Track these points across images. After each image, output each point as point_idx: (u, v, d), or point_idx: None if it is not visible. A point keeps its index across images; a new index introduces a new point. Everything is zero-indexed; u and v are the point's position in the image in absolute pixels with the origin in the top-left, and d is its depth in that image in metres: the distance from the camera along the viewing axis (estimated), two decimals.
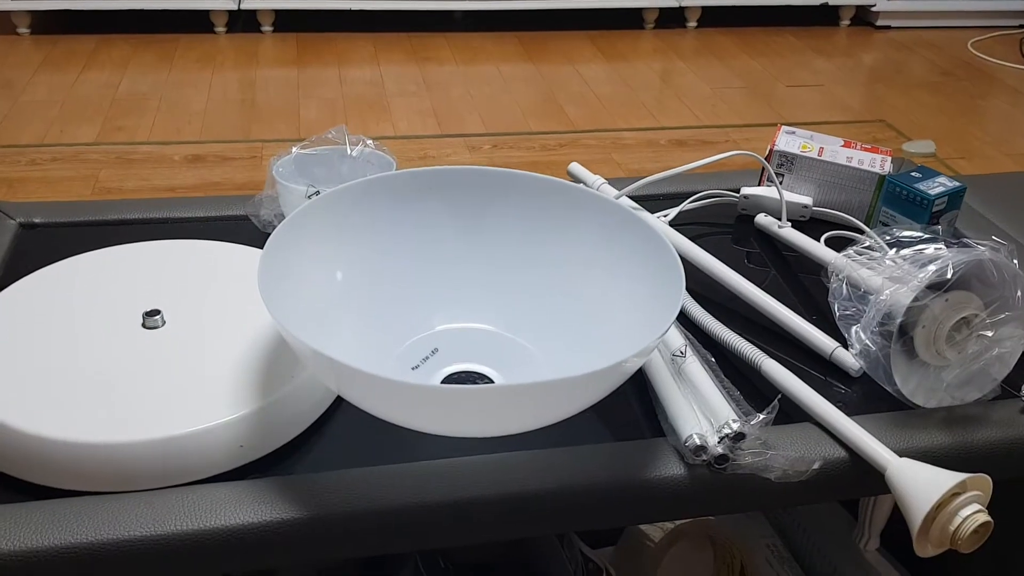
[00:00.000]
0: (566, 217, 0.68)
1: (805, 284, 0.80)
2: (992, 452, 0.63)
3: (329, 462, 0.58)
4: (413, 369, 0.65)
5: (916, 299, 0.62)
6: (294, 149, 0.79)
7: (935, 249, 0.73)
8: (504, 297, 0.69)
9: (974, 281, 0.63)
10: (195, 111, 2.00)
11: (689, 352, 0.64)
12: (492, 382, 0.64)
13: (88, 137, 1.81)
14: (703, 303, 0.75)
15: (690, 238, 0.85)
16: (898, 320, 0.62)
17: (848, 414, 0.63)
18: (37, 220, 0.81)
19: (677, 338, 0.66)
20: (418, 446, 0.59)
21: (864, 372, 0.68)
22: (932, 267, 0.61)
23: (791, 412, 0.64)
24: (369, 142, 0.80)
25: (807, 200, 0.88)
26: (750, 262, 0.84)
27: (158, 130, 1.93)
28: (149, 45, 2.25)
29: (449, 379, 0.65)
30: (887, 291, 0.63)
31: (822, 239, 0.83)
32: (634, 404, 0.64)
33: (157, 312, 0.63)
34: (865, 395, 0.67)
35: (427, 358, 0.66)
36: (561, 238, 0.68)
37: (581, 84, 2.24)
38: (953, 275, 0.61)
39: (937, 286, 0.62)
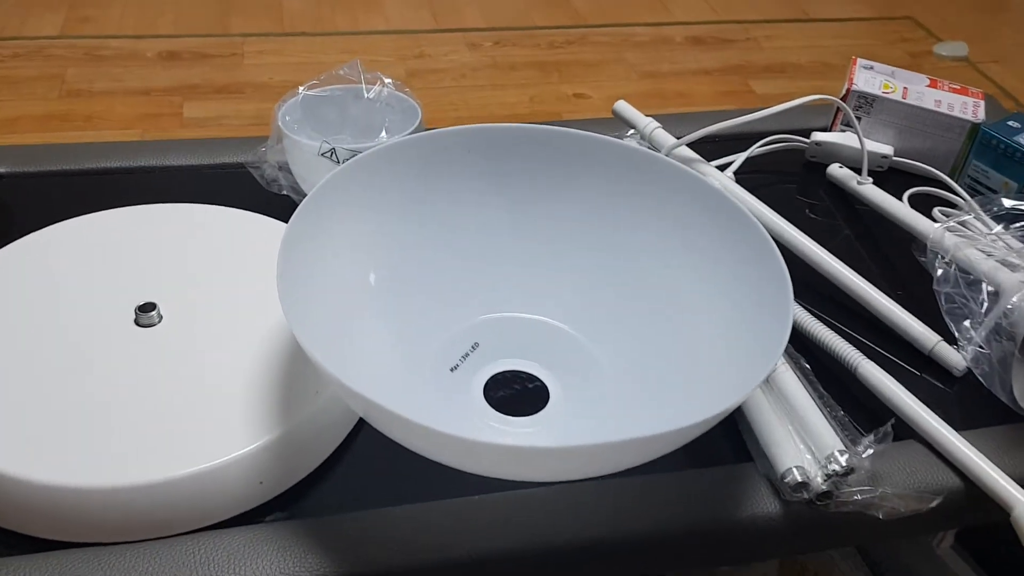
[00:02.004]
0: (642, 193, 0.57)
1: (890, 253, 0.70)
2: None
3: (362, 493, 0.49)
4: (452, 370, 0.55)
5: None
6: (301, 90, 0.66)
7: None
8: (559, 283, 0.58)
9: None
10: (167, 0, 1.82)
11: (782, 359, 0.55)
12: (542, 384, 0.55)
13: (52, 29, 1.63)
14: None
15: (753, 190, 0.74)
16: (1021, 330, 0.53)
17: (953, 423, 0.55)
18: (2, 170, 0.69)
19: None
20: (463, 474, 0.50)
21: (968, 370, 0.59)
22: None
23: (895, 424, 0.55)
24: (388, 81, 0.68)
25: (887, 149, 0.77)
26: (820, 222, 0.74)
27: (128, 21, 1.75)
28: None
29: (493, 381, 0.55)
30: (1011, 298, 0.53)
31: (905, 196, 0.73)
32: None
33: (152, 306, 0.53)
34: (969, 398, 0.58)
35: (467, 355, 0.56)
36: (636, 219, 0.57)
37: None
38: None
39: None
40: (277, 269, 0.45)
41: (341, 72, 0.69)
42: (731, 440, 0.54)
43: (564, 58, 1.76)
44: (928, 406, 0.55)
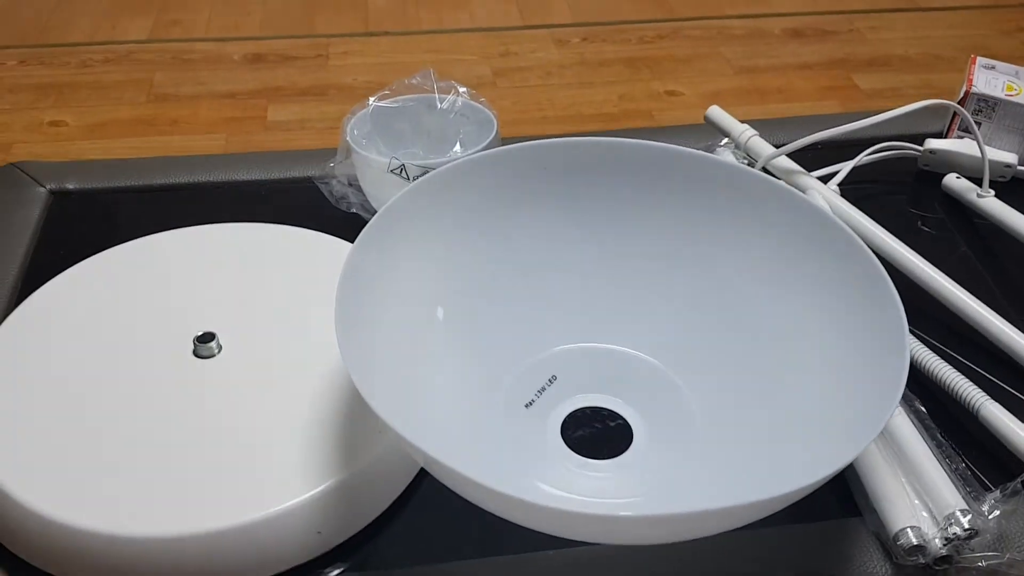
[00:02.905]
0: (736, 214, 0.51)
1: (1012, 272, 0.63)
2: None
3: (427, 545, 0.46)
4: (527, 407, 0.51)
5: None
6: (371, 101, 0.63)
7: None
8: (644, 312, 0.54)
9: None
10: (254, 0, 1.82)
11: None
12: (624, 422, 0.50)
13: (141, 33, 1.64)
14: None
15: (856, 202, 0.68)
16: None
17: None
18: (70, 186, 0.68)
19: None
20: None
21: None
22: None
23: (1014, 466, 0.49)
24: (462, 90, 0.64)
25: (1011, 157, 0.69)
26: (935, 237, 0.67)
27: (215, 24, 1.76)
28: None
29: (571, 418, 0.51)
30: None
31: None
32: None
33: (212, 336, 0.50)
34: None
35: (544, 388, 0.52)
36: (730, 243, 0.52)
37: None
38: None
39: None
40: (335, 309, 0.42)
41: (414, 81, 0.65)
42: (837, 490, 0.48)
43: (655, 53, 1.69)
44: None
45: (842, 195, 0.66)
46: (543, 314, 0.53)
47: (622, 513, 0.35)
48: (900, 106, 0.66)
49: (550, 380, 0.52)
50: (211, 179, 0.69)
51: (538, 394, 0.51)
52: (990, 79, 0.70)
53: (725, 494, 0.42)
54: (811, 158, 0.71)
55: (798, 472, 0.38)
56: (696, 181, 0.52)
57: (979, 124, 0.70)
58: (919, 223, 0.68)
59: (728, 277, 0.52)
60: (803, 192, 0.66)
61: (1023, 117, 0.69)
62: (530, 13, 1.87)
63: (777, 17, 1.83)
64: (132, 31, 1.53)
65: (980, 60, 0.73)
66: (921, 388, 0.53)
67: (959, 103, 0.70)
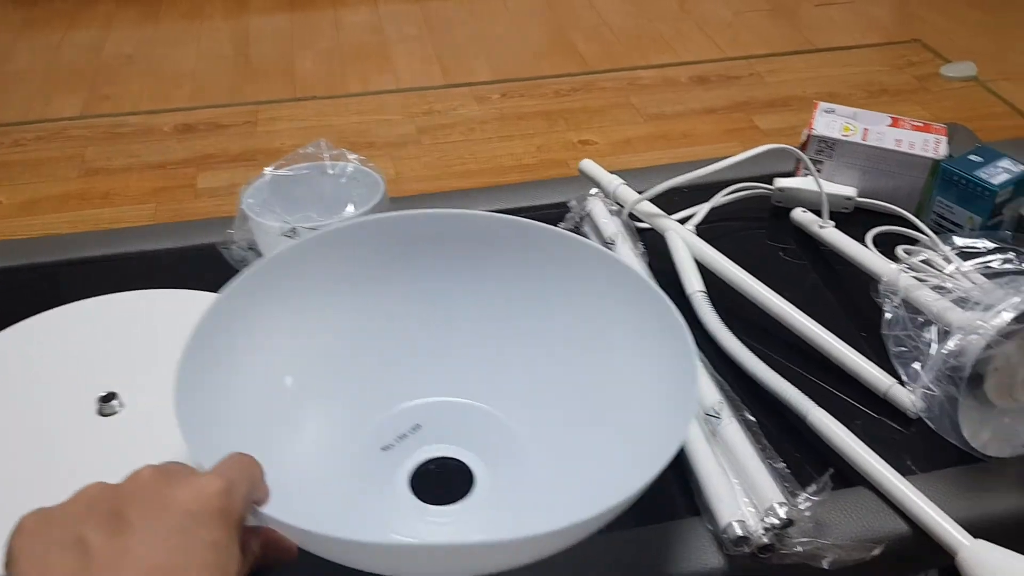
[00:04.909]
0: (574, 280, 0.57)
1: (853, 294, 0.71)
2: None
3: None
4: (383, 449, 0.55)
5: (989, 346, 0.53)
6: (267, 171, 0.70)
7: (1003, 262, 0.63)
8: (482, 366, 0.59)
9: None
10: (184, 72, 1.89)
11: (726, 411, 0.56)
12: (470, 473, 0.55)
13: (73, 110, 1.70)
14: (738, 323, 0.66)
15: (717, 238, 0.75)
16: (967, 371, 0.53)
17: (909, 466, 0.56)
18: None
19: (711, 392, 0.57)
20: None
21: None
22: (1006, 314, 0.52)
23: (845, 470, 0.56)
24: (352, 157, 0.71)
25: (850, 191, 0.78)
26: (787, 266, 0.74)
27: (146, 97, 1.82)
28: None
29: (423, 467, 0.55)
30: (953, 339, 0.54)
31: (869, 236, 0.74)
32: (667, 472, 0.56)
33: (113, 396, 0.56)
34: (927, 438, 0.58)
35: (405, 436, 0.56)
36: (569, 306, 0.58)
37: (593, 16, 2.10)
38: None
39: (1019, 322, 0.53)
40: (175, 387, 0.45)
41: (308, 150, 0.72)
42: (686, 495, 0.55)
43: (570, 106, 1.79)
44: (884, 449, 0.56)
45: (701, 233, 0.73)
46: (411, 370, 0.58)
47: (405, 541, 0.40)
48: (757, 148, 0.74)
49: (413, 428, 0.57)
50: (119, 251, 0.75)
51: (398, 440, 0.56)
52: (829, 122, 0.79)
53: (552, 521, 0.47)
54: (677, 202, 0.79)
55: (616, 488, 0.44)
56: (516, 248, 0.58)
57: (822, 162, 0.78)
58: (780, 254, 0.76)
59: (570, 343, 0.57)
60: (663, 233, 0.74)
61: (859, 154, 0.77)
62: (452, 72, 1.96)
63: (684, 66, 1.94)
64: (65, 108, 1.59)
65: (822, 105, 0.81)
66: (759, 400, 0.60)
67: (803, 144, 0.78)
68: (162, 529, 0.35)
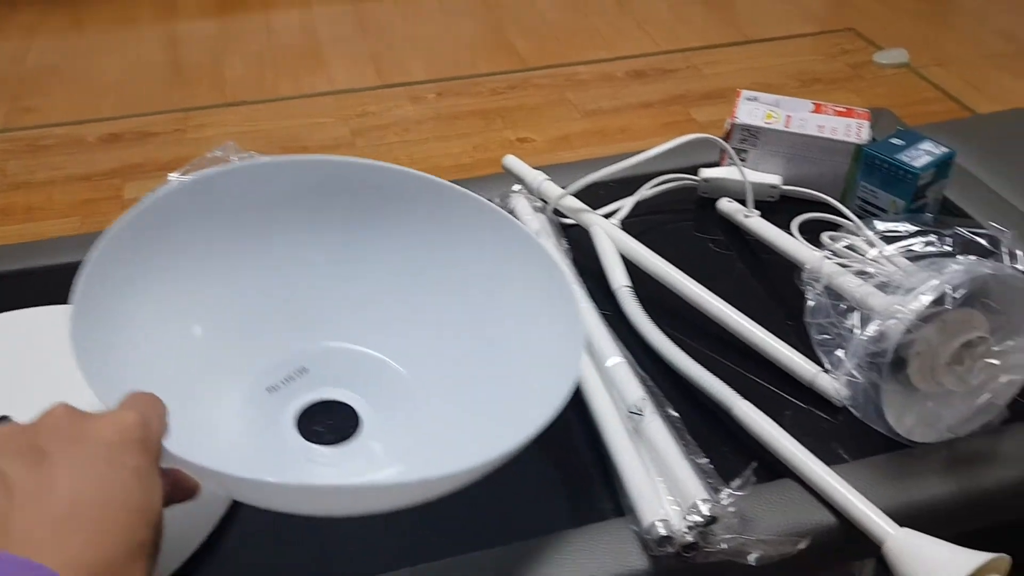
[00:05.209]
0: (461, 230, 0.59)
1: (779, 283, 0.70)
2: (1006, 494, 0.55)
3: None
4: (268, 390, 0.56)
5: (909, 331, 0.52)
6: (172, 177, 0.67)
7: (925, 245, 0.63)
8: (393, 319, 0.60)
9: (976, 300, 0.53)
10: (111, 81, 1.85)
11: (649, 408, 0.55)
12: (356, 413, 0.56)
13: None
14: (665, 317, 0.65)
15: (644, 232, 0.74)
16: (889, 357, 0.52)
17: (837, 454, 0.55)
18: None
19: (634, 388, 0.56)
20: (348, 556, 0.50)
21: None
22: (924, 297, 0.51)
23: (773, 463, 0.55)
24: (265, 160, 0.68)
25: (775, 179, 0.77)
26: (714, 257, 0.73)
27: (73, 107, 1.77)
28: (57, 6, 2.07)
29: (309, 410, 0.56)
30: (873, 325, 0.53)
31: (795, 224, 0.73)
32: (594, 473, 0.55)
33: (4, 419, 0.53)
34: (854, 426, 0.57)
35: (291, 378, 0.57)
36: (458, 257, 0.59)
37: (530, 12, 2.08)
38: (952, 301, 0.51)
39: (938, 304, 0.52)
40: (71, 332, 0.45)
41: (216, 154, 0.69)
42: (612, 496, 0.53)
43: (507, 104, 1.78)
44: (812, 439, 0.55)
45: (628, 227, 0.72)
46: (301, 315, 0.59)
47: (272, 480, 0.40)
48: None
49: (300, 371, 0.57)
50: (19, 267, 0.71)
51: (285, 382, 0.57)
52: (752, 110, 0.78)
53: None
54: (604, 196, 0.78)
55: (514, 429, 0.45)
56: (437, 209, 0.59)
57: (746, 151, 0.78)
58: (709, 245, 0.75)
59: (453, 286, 0.59)
60: (588, 228, 0.72)
61: (782, 141, 0.76)
62: (386, 73, 1.93)
63: (621, 60, 1.94)
64: None
65: (745, 93, 0.80)
66: (686, 395, 0.59)
67: (727, 134, 0.78)
68: (84, 459, 0.35)
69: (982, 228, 0.60)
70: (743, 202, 0.75)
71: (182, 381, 0.52)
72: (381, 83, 1.84)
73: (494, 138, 1.67)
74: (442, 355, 0.58)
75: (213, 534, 0.51)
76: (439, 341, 0.58)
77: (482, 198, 0.58)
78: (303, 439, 0.54)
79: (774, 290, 0.70)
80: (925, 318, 0.51)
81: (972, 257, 0.59)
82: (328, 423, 0.56)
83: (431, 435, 0.54)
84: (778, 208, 0.76)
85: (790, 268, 0.68)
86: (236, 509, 0.52)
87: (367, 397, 0.57)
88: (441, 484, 0.43)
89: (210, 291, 0.56)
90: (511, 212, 0.73)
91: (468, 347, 0.57)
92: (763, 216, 0.74)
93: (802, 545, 0.49)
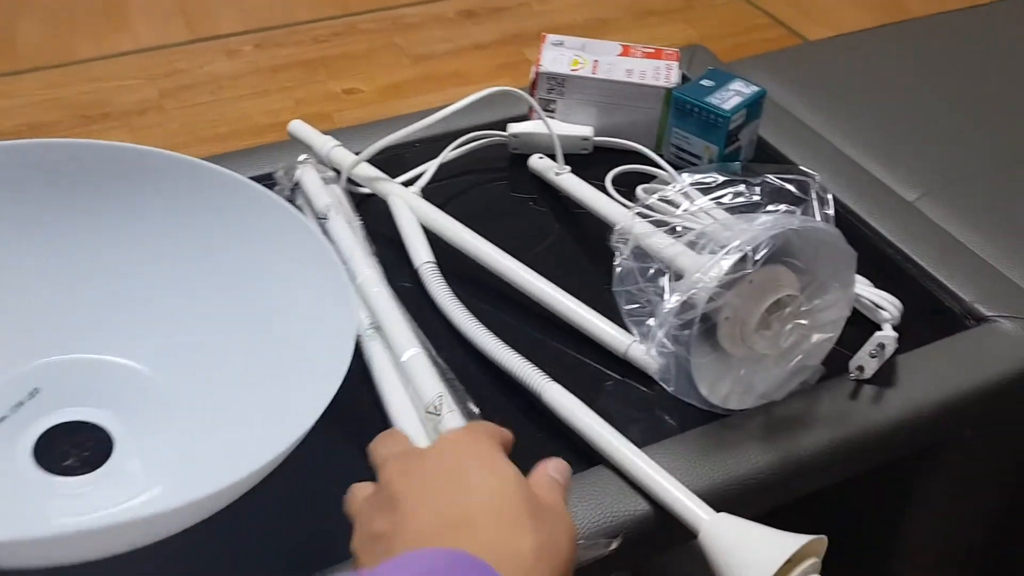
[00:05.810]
0: (213, 217, 0.52)
1: (596, 245, 0.65)
2: (825, 458, 0.52)
3: None
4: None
5: (712, 299, 0.48)
6: None
7: (734, 196, 0.59)
8: (142, 320, 0.53)
9: (782, 257, 0.50)
10: None
11: (447, 405, 0.49)
12: (107, 434, 0.49)
13: None
14: (479, 293, 0.60)
15: (453, 197, 0.68)
16: (695, 328, 0.49)
17: (657, 431, 0.52)
18: None
19: (432, 385, 0.50)
20: None
21: None
22: (725, 261, 0.47)
23: (587, 450, 0.51)
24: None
25: (586, 131, 0.72)
26: (531, 218, 0.68)
27: None
28: None
29: (50, 432, 0.48)
30: (676, 295, 0.49)
31: (608, 178, 0.69)
32: None
33: None
34: (669, 399, 0.54)
35: (22, 403, 0.49)
36: (209, 246, 0.52)
37: None
38: (754, 264, 0.48)
39: (740, 267, 0.49)
40: None
41: None
42: None
43: (331, 52, 1.67)
44: (633, 413, 0.52)
45: (435, 193, 0.66)
46: (24, 326, 0.51)
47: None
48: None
49: (31, 393, 0.50)
50: None
51: (14, 409, 0.49)
52: (557, 56, 0.73)
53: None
54: (409, 160, 0.71)
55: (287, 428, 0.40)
56: (186, 192, 0.52)
57: (554, 101, 0.72)
58: (524, 206, 0.70)
59: (202, 277, 0.53)
60: (386, 199, 0.66)
61: (591, 89, 0.71)
62: (198, 25, 1.78)
63: (451, 0, 1.85)
64: None
65: (550, 37, 0.75)
66: (497, 380, 0.54)
67: (532, 83, 0.72)
68: None
69: (790, 174, 0.57)
70: (554, 157, 0.70)
71: None
72: (192, 37, 1.70)
73: (318, 91, 1.56)
74: (200, 355, 0.51)
75: None
76: (195, 340, 0.51)
77: (236, 174, 0.51)
78: (44, 472, 0.47)
79: (593, 252, 0.65)
80: (728, 284, 0.48)
81: (781, 207, 0.56)
82: (74, 450, 0.48)
83: (197, 445, 0.48)
84: (593, 161, 0.72)
85: (607, 227, 0.64)
86: None
87: (117, 412, 0.49)
88: (204, 505, 0.38)
89: None
90: (297, 185, 0.66)
91: (229, 344, 0.51)
92: (576, 171, 0.69)
93: (615, 545, 0.46)
